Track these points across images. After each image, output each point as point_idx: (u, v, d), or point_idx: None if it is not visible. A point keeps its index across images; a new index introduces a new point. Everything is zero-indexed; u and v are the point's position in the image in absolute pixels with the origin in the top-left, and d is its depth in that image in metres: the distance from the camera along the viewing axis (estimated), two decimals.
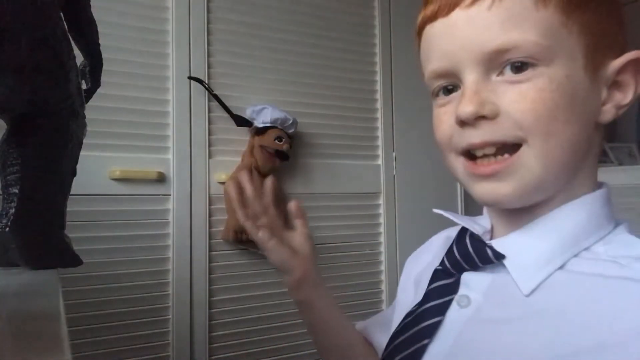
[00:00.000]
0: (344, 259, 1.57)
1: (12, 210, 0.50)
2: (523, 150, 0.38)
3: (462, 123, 0.39)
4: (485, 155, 0.40)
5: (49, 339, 0.27)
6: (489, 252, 0.42)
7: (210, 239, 1.37)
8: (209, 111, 1.40)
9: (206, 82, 1.38)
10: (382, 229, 1.65)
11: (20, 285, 0.45)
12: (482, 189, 0.40)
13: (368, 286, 1.61)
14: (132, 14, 1.31)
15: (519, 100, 0.37)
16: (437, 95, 0.44)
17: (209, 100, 1.39)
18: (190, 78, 1.36)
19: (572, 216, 0.40)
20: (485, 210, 0.48)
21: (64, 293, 0.43)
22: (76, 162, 0.58)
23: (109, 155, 1.26)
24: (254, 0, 1.47)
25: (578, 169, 0.41)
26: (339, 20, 1.61)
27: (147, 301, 1.28)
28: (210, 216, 1.38)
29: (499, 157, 0.39)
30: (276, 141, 1.37)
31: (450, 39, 0.40)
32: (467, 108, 0.38)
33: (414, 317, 0.45)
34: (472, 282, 0.43)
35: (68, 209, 0.57)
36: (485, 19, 0.37)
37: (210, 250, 1.36)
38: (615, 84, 0.40)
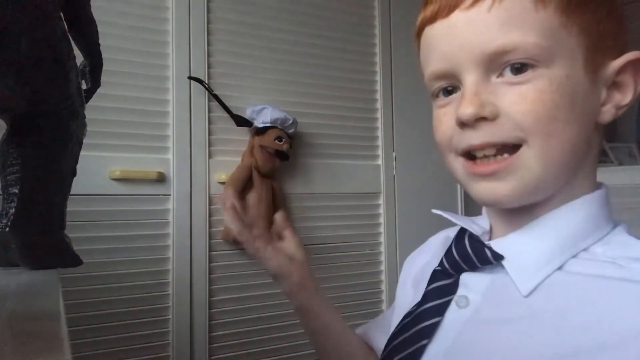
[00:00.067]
0: (344, 259, 1.57)
1: (12, 210, 0.50)
2: (523, 150, 0.38)
3: (462, 124, 0.39)
4: (485, 156, 0.40)
5: (49, 339, 0.27)
6: (488, 252, 0.42)
7: (210, 239, 1.37)
8: (209, 111, 1.40)
9: (206, 82, 1.38)
10: (382, 229, 1.65)
11: (20, 285, 0.45)
12: (482, 189, 0.40)
13: (368, 286, 1.61)
14: (132, 14, 1.31)
15: (519, 101, 0.37)
16: (436, 96, 0.44)
17: (209, 100, 1.39)
18: (190, 78, 1.36)
19: (570, 217, 0.40)
20: (484, 210, 0.48)
21: (64, 293, 0.43)
22: (76, 162, 0.58)
23: (109, 155, 1.26)
24: (254, 0, 1.48)
25: (578, 169, 0.41)
26: (339, 20, 1.61)
27: (147, 301, 1.28)
28: (210, 216, 1.38)
29: (499, 157, 0.39)
30: (276, 141, 1.37)
31: (450, 40, 0.40)
32: (467, 109, 0.38)
33: (412, 317, 0.45)
34: (471, 283, 0.43)
35: (68, 209, 0.57)
36: (485, 21, 0.37)
37: (210, 250, 1.36)
38: (614, 85, 0.40)
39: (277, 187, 1.44)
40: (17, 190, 0.50)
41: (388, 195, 1.66)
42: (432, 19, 0.41)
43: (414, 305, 0.46)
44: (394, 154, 1.69)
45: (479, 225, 0.46)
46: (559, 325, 0.36)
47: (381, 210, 1.66)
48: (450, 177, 0.45)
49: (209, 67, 1.40)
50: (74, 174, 0.57)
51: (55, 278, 0.48)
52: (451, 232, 0.51)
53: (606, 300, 0.35)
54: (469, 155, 0.41)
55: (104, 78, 0.73)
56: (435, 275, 0.46)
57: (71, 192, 0.57)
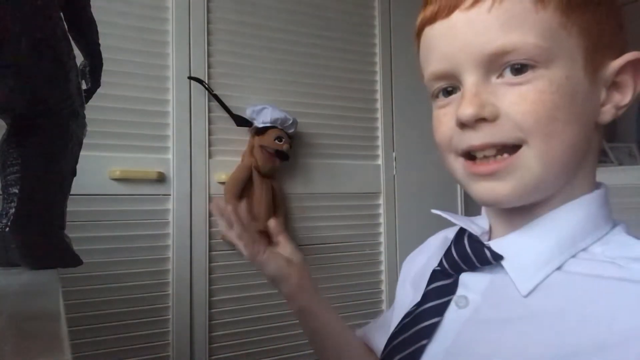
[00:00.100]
0: (344, 259, 1.57)
1: (12, 210, 0.50)
2: (523, 150, 0.38)
3: (462, 125, 0.39)
4: (485, 157, 0.40)
5: (49, 339, 0.27)
6: (487, 252, 0.42)
7: (210, 239, 1.37)
8: (209, 111, 1.40)
9: (206, 82, 1.38)
10: (382, 229, 1.65)
11: (20, 285, 0.45)
12: (482, 188, 0.40)
13: (368, 286, 1.61)
14: (132, 14, 1.31)
15: (519, 102, 0.37)
16: (436, 96, 0.44)
17: (209, 100, 1.39)
18: (190, 78, 1.36)
19: (570, 217, 0.40)
20: (483, 210, 0.48)
21: (64, 293, 0.43)
22: (76, 162, 0.58)
23: (109, 155, 1.26)
24: (254, 0, 1.48)
25: (577, 169, 0.41)
26: (339, 20, 1.61)
27: (147, 301, 1.28)
28: (210, 216, 1.37)
29: (499, 157, 0.39)
30: (276, 141, 1.37)
31: (450, 41, 0.40)
32: (467, 110, 0.38)
33: (412, 317, 0.45)
34: (471, 283, 0.43)
35: (68, 209, 0.57)
36: (485, 21, 0.37)
37: (210, 250, 1.36)
38: (614, 85, 0.40)
39: (277, 187, 1.44)
40: (17, 190, 0.50)
41: (388, 195, 1.66)
42: (432, 20, 0.41)
43: (414, 306, 0.46)
44: (394, 154, 1.69)
45: (478, 225, 0.46)
46: (559, 325, 0.36)
47: (381, 210, 1.66)
48: (450, 177, 0.45)
49: (209, 67, 1.40)
50: (74, 174, 0.57)
51: (55, 278, 0.48)
52: (450, 233, 0.51)
53: (605, 300, 0.35)
54: (469, 155, 0.41)
55: (104, 78, 0.73)
56: (434, 276, 0.46)
57: (71, 192, 0.57)
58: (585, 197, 0.41)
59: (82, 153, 0.58)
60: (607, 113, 0.40)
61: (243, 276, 1.40)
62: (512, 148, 0.38)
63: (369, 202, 1.64)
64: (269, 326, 1.41)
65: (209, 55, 1.40)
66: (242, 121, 1.40)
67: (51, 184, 0.53)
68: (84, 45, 0.67)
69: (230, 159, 1.41)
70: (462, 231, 0.46)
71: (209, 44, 1.40)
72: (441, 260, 0.46)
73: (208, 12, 1.40)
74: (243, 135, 1.43)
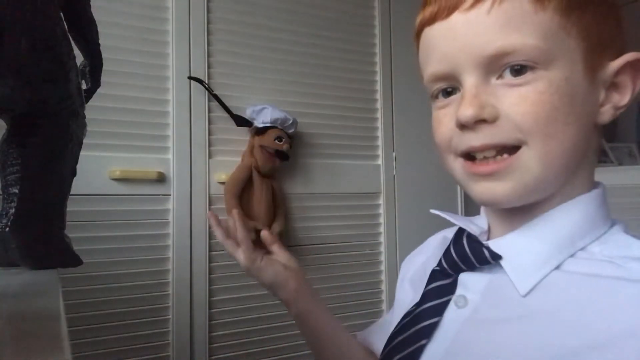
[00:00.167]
0: (344, 259, 1.57)
1: (12, 210, 0.50)
2: (523, 151, 0.38)
3: (462, 126, 0.39)
4: (484, 157, 0.40)
5: (49, 339, 0.27)
6: (486, 252, 0.42)
7: (210, 239, 1.37)
8: (209, 111, 1.40)
9: (206, 82, 1.38)
10: (382, 229, 1.65)
11: (20, 285, 0.45)
12: (481, 189, 0.40)
13: (368, 286, 1.61)
14: (132, 14, 1.31)
15: (518, 103, 0.37)
16: (436, 97, 0.44)
17: (209, 100, 1.39)
18: (190, 78, 1.36)
19: (568, 216, 0.40)
20: (482, 210, 0.48)
21: (64, 293, 0.43)
22: (76, 162, 0.58)
23: (109, 155, 1.26)
24: (254, 0, 1.48)
25: (577, 169, 0.41)
26: (339, 20, 1.61)
27: (147, 301, 1.28)
28: None
29: (498, 157, 0.39)
30: (276, 141, 1.37)
31: (450, 42, 0.40)
32: (467, 111, 0.38)
33: (412, 317, 0.46)
34: (470, 283, 0.43)
35: (68, 209, 0.57)
36: (485, 23, 0.37)
37: (210, 250, 1.36)
38: (613, 85, 0.40)
39: (277, 187, 1.44)
40: (17, 190, 0.50)
41: (388, 195, 1.66)
42: (432, 20, 0.41)
43: (413, 306, 0.46)
44: (394, 154, 1.69)
45: (477, 225, 0.46)
46: (557, 325, 0.36)
47: (381, 210, 1.66)
48: (450, 177, 0.45)
49: (209, 67, 1.40)
50: (74, 174, 0.57)
51: (55, 278, 0.48)
52: (449, 233, 0.51)
53: (603, 300, 0.35)
54: (468, 155, 0.41)
55: (104, 78, 0.73)
56: (433, 276, 0.47)
57: (71, 192, 0.57)
58: (584, 197, 0.41)
59: (82, 153, 0.58)
60: (606, 113, 0.40)
61: (243, 276, 1.40)
62: (511, 149, 0.38)
63: (369, 202, 1.64)
64: (269, 326, 1.41)
65: (209, 55, 1.40)
66: (242, 121, 1.40)
67: (51, 184, 0.53)
68: (84, 45, 0.67)
69: (230, 159, 1.41)
70: (461, 231, 0.46)
71: (209, 44, 1.40)
72: (440, 260, 0.46)
73: (208, 12, 1.40)
74: (243, 135, 1.43)
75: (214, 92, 1.39)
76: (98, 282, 1.22)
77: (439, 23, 0.40)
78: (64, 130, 0.54)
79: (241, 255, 0.63)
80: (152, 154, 1.32)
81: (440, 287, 0.45)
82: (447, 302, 0.44)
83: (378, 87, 1.68)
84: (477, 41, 0.38)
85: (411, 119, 1.70)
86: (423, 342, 0.43)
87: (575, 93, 0.38)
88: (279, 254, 0.66)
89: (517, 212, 0.42)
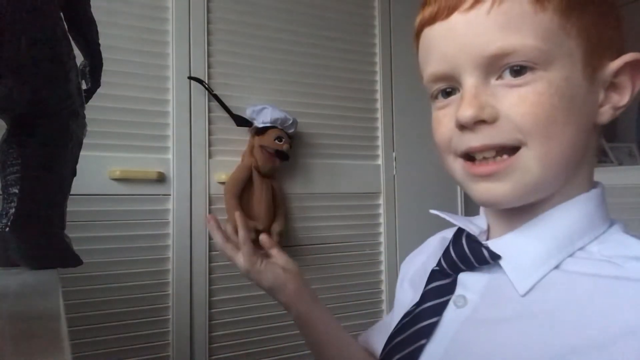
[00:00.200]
0: (344, 259, 1.57)
1: (12, 210, 0.50)
2: (522, 152, 0.38)
3: (462, 127, 0.39)
4: (484, 158, 0.40)
5: (49, 339, 0.27)
6: (485, 252, 0.42)
7: (210, 239, 1.36)
8: (209, 111, 1.40)
9: (206, 82, 1.38)
10: (382, 229, 1.65)
11: (20, 285, 0.45)
12: (481, 189, 0.41)
13: (368, 286, 1.61)
14: (132, 14, 1.31)
15: (518, 103, 0.37)
16: (435, 97, 0.44)
17: (209, 100, 1.40)
18: (190, 78, 1.36)
19: (567, 216, 0.40)
20: (481, 210, 0.48)
21: (64, 293, 0.43)
22: (76, 162, 0.58)
23: (109, 155, 1.26)
24: (254, 0, 1.48)
25: (576, 169, 0.41)
26: (339, 20, 1.61)
27: (147, 301, 1.28)
28: None
29: (498, 158, 0.39)
30: (276, 141, 1.37)
31: (450, 42, 0.40)
32: (467, 112, 0.38)
33: (411, 317, 0.46)
34: (469, 283, 0.43)
35: (68, 209, 0.57)
36: (484, 23, 0.37)
37: (210, 250, 1.36)
38: (612, 86, 0.40)
39: (277, 187, 1.44)
40: (17, 190, 0.50)
41: (388, 195, 1.66)
42: (431, 20, 0.41)
43: (413, 305, 0.47)
44: (394, 154, 1.69)
45: (476, 225, 0.46)
46: (556, 324, 0.36)
47: (381, 210, 1.66)
48: (451, 177, 0.45)
49: (209, 67, 1.40)
50: (74, 174, 0.57)
51: (55, 278, 0.48)
52: (448, 233, 0.51)
53: (602, 299, 0.35)
54: (468, 156, 0.41)
55: (104, 78, 0.73)
56: (433, 275, 0.47)
57: (71, 192, 0.57)
58: (582, 197, 0.41)
59: (82, 153, 0.58)
60: (605, 114, 0.40)
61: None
62: (511, 149, 0.38)
63: (369, 202, 1.64)
64: (269, 326, 1.42)
65: (209, 55, 1.40)
66: (242, 121, 1.40)
67: (51, 184, 0.53)
68: (84, 45, 0.67)
69: (230, 159, 1.41)
70: (460, 231, 0.46)
71: (209, 44, 1.40)
72: (439, 260, 0.46)
73: (208, 12, 1.40)
74: (243, 135, 1.43)
75: (214, 92, 1.39)
76: (98, 282, 1.22)
77: (438, 23, 0.40)
78: (64, 130, 0.54)
79: (241, 258, 0.63)
80: (152, 154, 1.32)
81: (440, 287, 0.45)
82: (447, 302, 0.44)
83: (378, 87, 1.68)
84: (476, 41, 0.38)
85: (411, 119, 1.70)
86: (422, 341, 0.43)
87: (574, 94, 0.38)
88: (278, 257, 0.66)
89: (517, 212, 0.42)
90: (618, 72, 0.39)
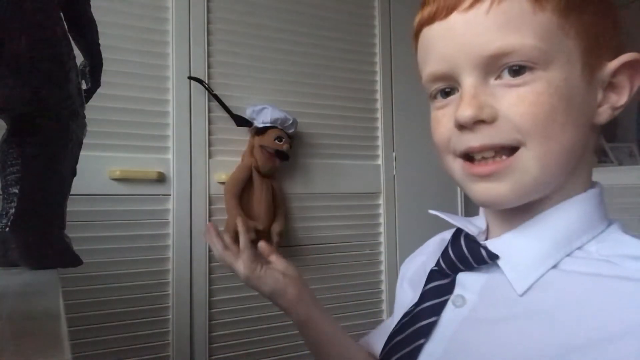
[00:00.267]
0: (344, 259, 1.57)
1: (12, 210, 0.50)
2: (521, 152, 0.38)
3: (461, 127, 0.39)
4: (483, 158, 0.40)
5: (49, 339, 0.27)
6: (483, 252, 0.42)
7: None
8: (209, 111, 1.40)
9: (206, 82, 1.38)
10: (382, 229, 1.65)
11: (20, 285, 0.45)
12: (480, 189, 0.41)
13: (368, 286, 1.61)
14: (132, 14, 1.31)
15: (517, 103, 0.37)
16: (434, 97, 0.44)
17: (209, 100, 1.40)
18: (190, 78, 1.36)
19: (565, 216, 0.40)
20: (481, 210, 0.48)
21: (64, 293, 0.43)
22: (76, 162, 0.58)
23: (109, 155, 1.26)
24: (254, 0, 1.48)
25: (574, 169, 0.41)
26: (339, 20, 1.61)
27: (147, 301, 1.28)
28: (210, 216, 1.38)
29: (497, 158, 0.39)
30: (276, 141, 1.37)
31: (448, 42, 0.40)
32: (466, 112, 0.38)
33: (410, 317, 0.46)
34: (467, 282, 0.44)
35: (68, 209, 0.57)
36: (483, 23, 0.37)
37: (210, 250, 1.36)
38: (610, 86, 0.40)
39: (277, 187, 1.44)
40: (17, 190, 0.50)
41: (388, 195, 1.66)
42: (430, 20, 0.41)
43: (412, 305, 0.47)
44: (394, 154, 1.69)
45: (475, 225, 0.46)
46: (554, 323, 0.36)
47: (381, 210, 1.66)
48: (450, 177, 0.45)
49: (209, 67, 1.40)
50: (74, 174, 0.58)
51: (55, 278, 0.48)
52: (447, 235, 0.51)
53: (600, 298, 0.35)
54: (467, 156, 0.41)
55: (104, 78, 0.73)
56: (432, 275, 0.47)
57: (71, 192, 0.57)
58: (581, 196, 0.41)
59: (82, 153, 0.58)
60: (604, 114, 0.40)
61: None
62: (510, 149, 0.38)
63: (369, 202, 1.64)
64: (269, 326, 1.42)
65: (209, 55, 1.40)
66: (242, 121, 1.40)
67: (51, 184, 0.53)
68: (84, 45, 0.68)
69: (230, 159, 1.41)
70: (459, 231, 0.46)
71: (209, 44, 1.40)
72: (438, 261, 0.46)
73: (208, 12, 1.40)
74: (243, 135, 1.43)
75: (214, 92, 1.39)
76: (98, 282, 1.22)
77: (437, 23, 0.40)
78: (64, 130, 0.54)
79: (240, 265, 0.63)
80: (152, 154, 1.32)
81: (439, 287, 0.45)
82: (445, 301, 0.44)
83: (378, 87, 1.68)
84: (475, 41, 0.38)
85: (411, 119, 1.70)
86: (421, 341, 0.43)
87: (573, 94, 0.38)
88: (277, 262, 0.66)
89: (515, 212, 0.42)
90: (616, 72, 0.40)
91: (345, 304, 1.55)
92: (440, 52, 0.41)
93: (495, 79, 0.38)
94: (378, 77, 1.68)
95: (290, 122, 1.40)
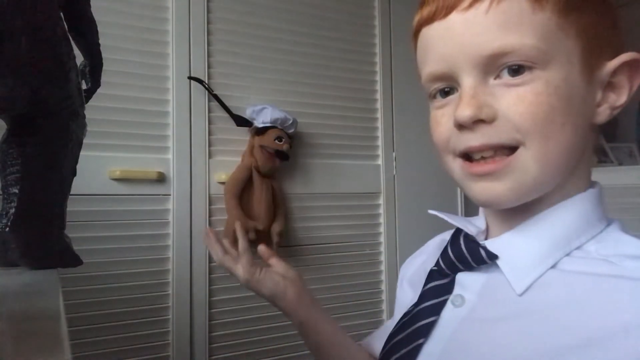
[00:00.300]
0: (344, 259, 1.57)
1: (12, 210, 0.50)
2: (520, 151, 0.38)
3: (460, 126, 0.39)
4: (482, 158, 0.40)
5: (49, 339, 0.27)
6: (482, 252, 0.42)
7: None
8: (209, 111, 1.40)
9: (206, 82, 1.38)
10: (382, 229, 1.65)
11: (20, 285, 0.45)
12: (479, 189, 0.41)
13: (368, 286, 1.61)
14: (132, 14, 1.31)
15: (516, 103, 0.37)
16: (434, 97, 0.44)
17: (209, 100, 1.40)
18: (190, 78, 1.36)
19: (564, 216, 0.41)
20: (480, 210, 0.48)
21: (64, 293, 0.43)
22: (76, 162, 0.58)
23: (109, 155, 1.26)
24: (254, 0, 1.48)
25: (574, 169, 0.41)
26: (339, 20, 1.61)
27: (147, 301, 1.28)
28: (210, 216, 1.38)
29: (496, 157, 0.39)
30: (276, 141, 1.37)
31: (448, 42, 0.40)
32: (465, 112, 0.38)
33: (410, 317, 0.46)
34: (467, 282, 0.44)
35: (68, 209, 0.57)
36: (483, 23, 0.37)
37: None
38: (609, 85, 0.40)
39: (277, 187, 1.44)
40: (17, 190, 0.50)
41: (388, 195, 1.66)
42: (430, 20, 0.41)
43: (412, 305, 0.47)
44: (394, 154, 1.69)
45: (474, 225, 0.46)
46: (553, 322, 0.36)
47: (381, 210, 1.66)
48: (449, 176, 0.45)
49: (209, 67, 1.40)
50: (74, 174, 0.58)
51: (55, 278, 0.48)
52: (447, 235, 0.51)
53: (599, 297, 0.35)
54: (467, 156, 0.41)
55: (104, 78, 0.73)
56: (431, 275, 0.47)
57: (71, 192, 0.57)
58: (580, 196, 0.41)
59: (82, 153, 0.58)
60: (603, 113, 0.40)
61: None
62: (509, 149, 0.38)
63: (369, 202, 1.64)
64: (269, 326, 1.42)
65: (209, 55, 1.40)
66: (242, 121, 1.40)
67: (51, 184, 0.53)
68: (84, 45, 0.68)
69: (230, 159, 1.41)
70: (458, 231, 0.46)
71: (209, 44, 1.40)
72: (438, 261, 0.46)
73: (208, 12, 1.40)
74: (243, 135, 1.43)
75: (214, 92, 1.39)
76: (98, 282, 1.22)
77: (436, 23, 0.40)
78: (64, 130, 0.54)
79: (240, 269, 0.64)
80: (152, 154, 1.32)
81: (438, 287, 0.45)
82: (445, 301, 0.44)
83: (378, 87, 1.68)
84: (475, 41, 0.38)
85: (411, 119, 1.70)
86: (420, 341, 0.43)
87: (572, 93, 0.38)
88: (277, 265, 0.66)
89: (515, 212, 0.42)
90: (616, 72, 0.40)
91: (345, 304, 1.55)
92: (439, 52, 0.41)
93: (495, 78, 0.38)
94: (378, 77, 1.68)
95: (290, 122, 1.40)
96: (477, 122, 0.38)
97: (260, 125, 1.37)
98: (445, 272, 0.45)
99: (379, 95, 1.68)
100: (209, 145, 1.39)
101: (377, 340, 0.61)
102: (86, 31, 0.66)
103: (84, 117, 0.58)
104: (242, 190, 1.36)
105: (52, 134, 0.53)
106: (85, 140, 0.59)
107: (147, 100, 1.32)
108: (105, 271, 1.23)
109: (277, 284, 0.62)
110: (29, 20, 0.45)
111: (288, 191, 1.50)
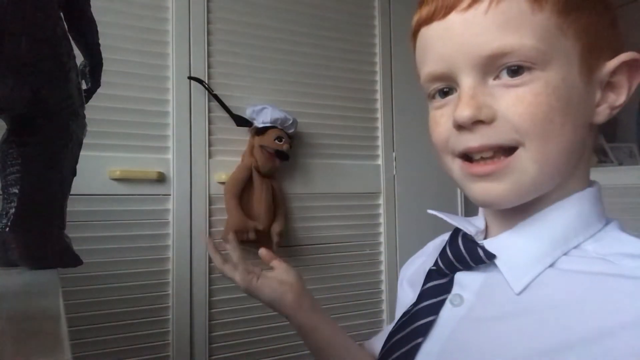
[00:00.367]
0: (344, 259, 1.57)
1: (12, 210, 0.50)
2: (519, 152, 0.38)
3: (459, 127, 0.39)
4: (482, 158, 0.40)
5: (49, 339, 0.27)
6: (481, 252, 0.42)
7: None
8: (209, 111, 1.40)
9: (206, 82, 1.38)
10: (382, 229, 1.65)
11: (20, 285, 0.45)
12: (478, 189, 0.41)
13: (368, 286, 1.61)
14: (132, 14, 1.32)
15: (516, 104, 0.37)
16: (433, 97, 0.44)
17: (209, 100, 1.40)
18: (190, 78, 1.36)
19: (562, 215, 0.41)
20: (480, 210, 0.48)
21: (64, 293, 0.43)
22: (76, 162, 0.58)
23: (109, 155, 1.26)
24: (254, 0, 1.48)
25: (573, 169, 0.41)
26: (339, 20, 1.61)
27: (147, 301, 1.28)
28: (210, 216, 1.38)
29: (496, 158, 0.39)
30: (276, 141, 1.37)
31: (447, 42, 0.40)
32: (464, 112, 0.38)
33: (409, 316, 0.46)
34: (465, 282, 0.44)
35: (68, 209, 0.57)
36: (482, 23, 0.37)
37: None
38: (609, 85, 0.40)
39: (277, 187, 1.44)
40: (17, 190, 0.50)
41: (388, 195, 1.66)
42: (429, 20, 0.41)
43: (411, 305, 0.47)
44: (394, 154, 1.69)
45: (474, 225, 0.46)
46: (551, 321, 0.36)
47: (381, 210, 1.66)
48: (448, 176, 0.45)
49: (209, 67, 1.40)
50: (74, 174, 0.58)
51: (55, 278, 0.48)
52: (447, 236, 0.51)
53: (596, 296, 0.35)
54: (466, 156, 0.41)
55: (104, 78, 0.73)
56: (430, 275, 0.47)
57: (71, 192, 0.57)
58: (578, 196, 0.41)
59: (82, 153, 0.58)
60: (602, 113, 0.40)
61: None
62: (508, 150, 0.38)
63: (369, 202, 1.64)
64: (269, 326, 1.42)
65: (209, 55, 1.40)
66: (242, 121, 1.40)
67: (51, 184, 0.53)
68: (84, 45, 0.68)
69: (230, 159, 1.41)
70: (457, 231, 0.46)
71: (209, 44, 1.40)
72: (437, 260, 0.47)
73: (208, 12, 1.40)
74: (243, 135, 1.43)
75: (214, 92, 1.39)
76: (98, 282, 1.22)
77: (436, 23, 0.40)
78: (64, 130, 0.54)
79: (238, 277, 0.64)
80: (152, 154, 1.32)
81: (437, 286, 0.45)
82: (443, 301, 0.44)
83: (378, 87, 1.68)
84: (474, 41, 0.38)
85: (411, 119, 1.70)
86: (419, 340, 0.43)
87: (571, 94, 0.38)
88: (279, 268, 0.66)
89: (513, 212, 0.42)
90: (615, 72, 0.40)
91: (345, 304, 1.55)
92: (438, 52, 0.40)
93: (494, 79, 0.38)
94: (378, 77, 1.68)
95: (290, 122, 1.40)
96: (476, 122, 0.38)
97: (260, 125, 1.37)
98: (444, 272, 0.45)
99: (379, 95, 1.68)
100: (209, 145, 1.39)
101: (378, 342, 0.61)
102: (86, 31, 0.66)
103: (84, 117, 0.58)
104: (242, 190, 1.36)
105: (52, 134, 0.53)
106: (85, 140, 0.59)
107: (147, 100, 1.32)
108: (105, 271, 1.23)
109: (275, 290, 0.62)
110: (29, 20, 0.45)
111: (288, 191, 1.50)
